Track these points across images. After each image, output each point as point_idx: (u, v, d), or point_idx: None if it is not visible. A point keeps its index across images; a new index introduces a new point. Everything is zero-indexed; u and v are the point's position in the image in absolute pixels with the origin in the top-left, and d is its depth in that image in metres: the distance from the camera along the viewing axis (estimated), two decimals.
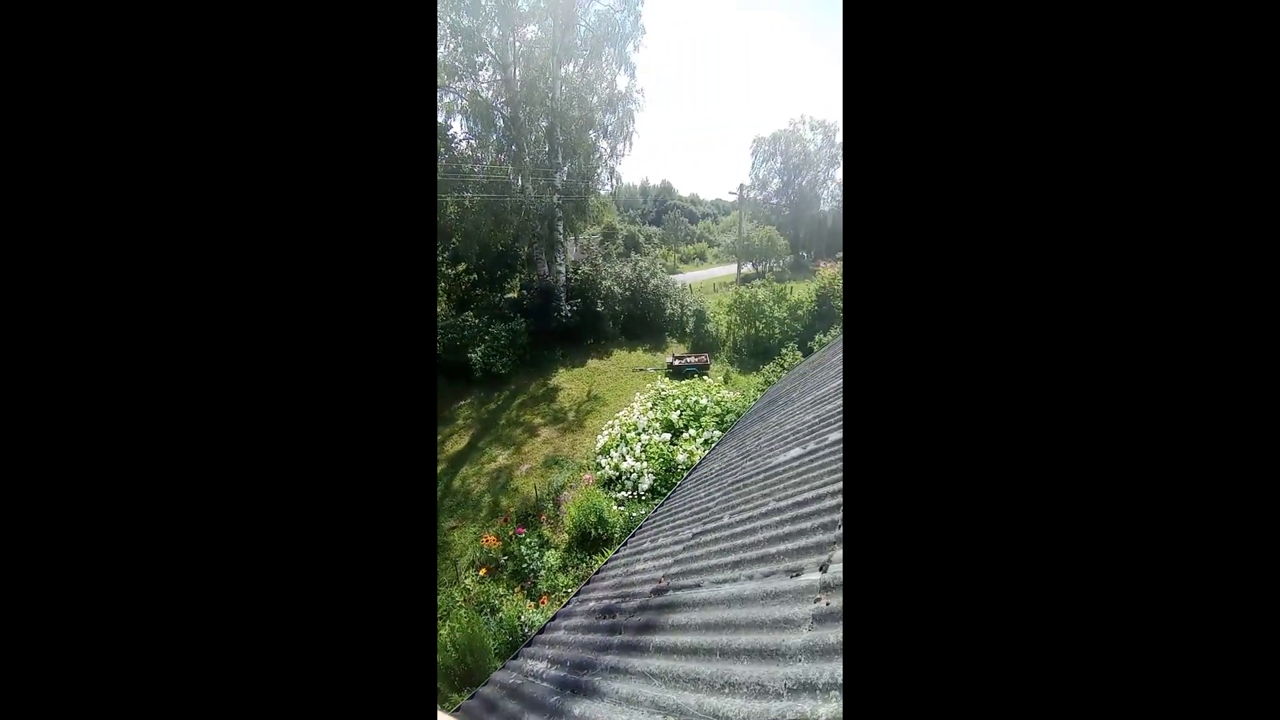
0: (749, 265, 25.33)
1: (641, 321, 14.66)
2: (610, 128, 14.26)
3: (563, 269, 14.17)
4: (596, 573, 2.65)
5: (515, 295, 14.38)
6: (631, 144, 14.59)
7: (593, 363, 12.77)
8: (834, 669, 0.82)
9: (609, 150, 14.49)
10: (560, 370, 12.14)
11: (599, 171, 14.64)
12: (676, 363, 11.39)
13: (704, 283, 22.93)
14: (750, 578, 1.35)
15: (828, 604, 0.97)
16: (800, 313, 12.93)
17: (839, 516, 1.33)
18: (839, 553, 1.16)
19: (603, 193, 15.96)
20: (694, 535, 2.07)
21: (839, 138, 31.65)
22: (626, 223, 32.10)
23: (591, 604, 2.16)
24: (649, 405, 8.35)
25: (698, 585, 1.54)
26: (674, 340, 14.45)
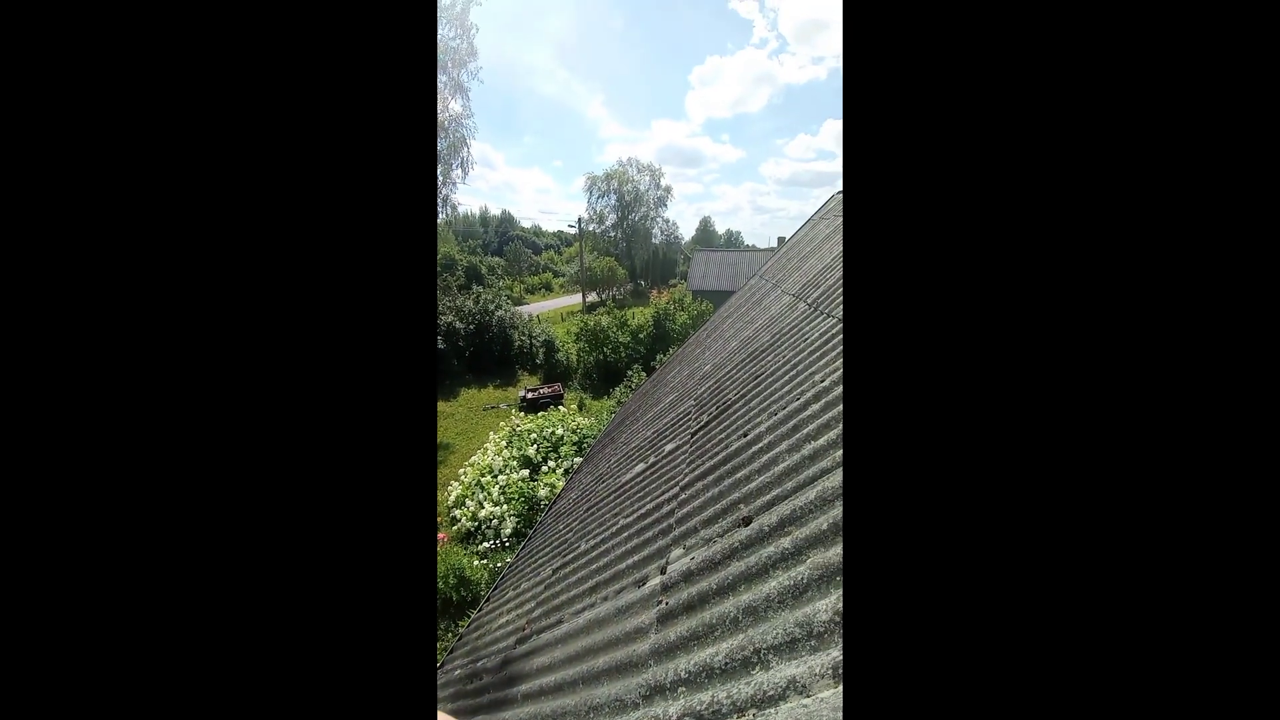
0: (593, 294, 26.29)
1: (489, 356, 13.99)
2: (443, 153, 13.53)
3: None
4: (459, 639, 2.42)
5: None
6: (466, 171, 14.05)
7: (438, 405, 11.67)
8: (677, 665, 0.91)
9: (442, 177, 13.72)
10: None
11: None
12: (530, 396, 11.11)
13: (552, 312, 22.98)
14: (605, 598, 1.40)
15: (667, 603, 1.08)
16: (642, 336, 13.84)
17: (673, 521, 1.48)
18: (675, 552, 1.29)
19: (437, 221, 14.97)
20: (554, 571, 2.05)
21: (664, 180, 35.58)
22: (466, 254, 30.55)
23: (457, 673, 1.96)
24: (503, 444, 7.94)
25: (559, 621, 1.54)
26: (525, 373, 14.10)
